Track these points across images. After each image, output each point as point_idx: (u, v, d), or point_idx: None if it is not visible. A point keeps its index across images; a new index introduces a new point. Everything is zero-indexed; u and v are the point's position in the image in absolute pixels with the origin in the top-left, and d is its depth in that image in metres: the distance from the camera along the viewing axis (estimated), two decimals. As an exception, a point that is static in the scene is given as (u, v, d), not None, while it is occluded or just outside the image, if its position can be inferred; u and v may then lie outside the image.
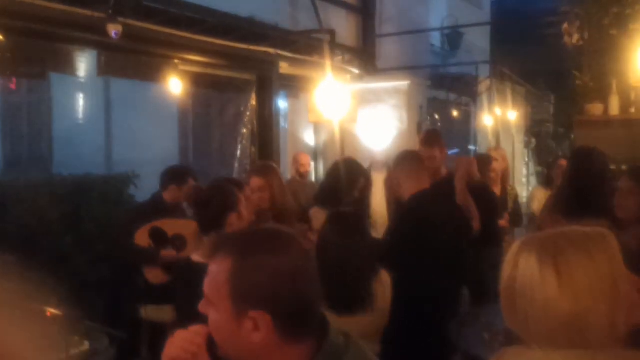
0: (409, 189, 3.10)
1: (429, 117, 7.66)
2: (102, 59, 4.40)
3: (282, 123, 6.89)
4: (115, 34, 3.87)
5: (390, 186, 3.53)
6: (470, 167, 3.73)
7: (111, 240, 5.62)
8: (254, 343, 1.11)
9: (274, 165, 3.80)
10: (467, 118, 10.08)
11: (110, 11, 3.85)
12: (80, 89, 8.56)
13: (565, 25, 4.52)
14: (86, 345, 3.14)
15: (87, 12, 3.85)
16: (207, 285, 1.17)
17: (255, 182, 3.32)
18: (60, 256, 5.43)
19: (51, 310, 2.45)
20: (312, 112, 5.34)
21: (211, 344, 1.17)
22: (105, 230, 5.80)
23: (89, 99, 8.71)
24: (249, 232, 1.32)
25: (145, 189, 6.08)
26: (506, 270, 1.15)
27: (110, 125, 8.64)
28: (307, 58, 5.92)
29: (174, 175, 4.17)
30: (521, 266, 1.12)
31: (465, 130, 10.23)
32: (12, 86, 8.58)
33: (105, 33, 3.86)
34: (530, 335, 1.10)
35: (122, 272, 4.49)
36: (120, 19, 3.90)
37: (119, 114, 8.53)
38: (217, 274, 1.15)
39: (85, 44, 4.14)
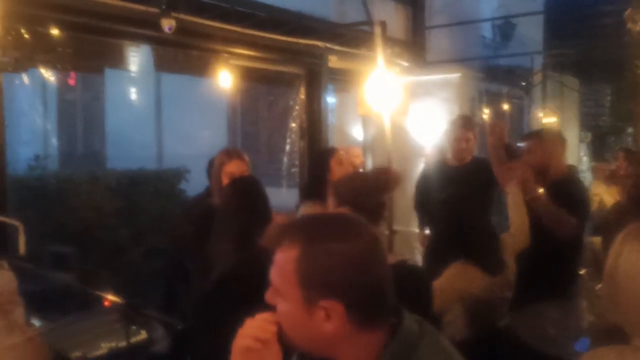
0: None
1: (480, 110, 7.49)
2: (157, 54, 4.47)
3: (330, 117, 6.86)
4: (169, 28, 3.92)
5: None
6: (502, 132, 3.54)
7: (164, 233, 5.75)
8: (325, 333, 1.07)
9: None
10: (520, 111, 9.81)
11: (164, 6, 3.90)
12: (132, 85, 8.77)
13: (629, 11, 4.30)
14: (144, 334, 3.20)
15: (142, 8, 3.91)
16: (275, 274, 1.13)
17: None
18: (116, 248, 5.59)
19: (111, 299, 2.49)
20: (362, 106, 5.28)
21: (280, 332, 1.14)
22: (158, 224, 5.94)
23: (141, 95, 8.90)
24: (316, 218, 1.26)
25: (195, 183, 6.17)
26: (610, 259, 1.08)
27: (161, 120, 8.82)
28: (356, 51, 5.87)
29: (211, 166, 4.23)
30: (625, 255, 1.05)
31: (517, 124, 9.97)
32: (71, 82, 8.83)
33: (159, 28, 3.92)
34: (632, 327, 1.03)
35: (177, 263, 4.54)
36: (174, 14, 3.95)
37: (169, 110, 8.70)
38: (284, 262, 1.11)
39: (140, 39, 4.22)
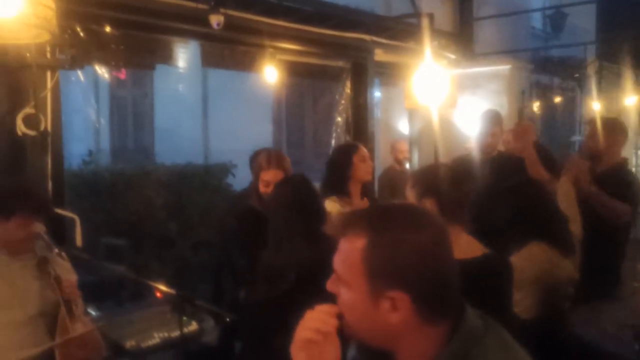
0: None
1: (531, 103, 7.30)
2: (205, 50, 4.54)
3: (375, 111, 6.82)
4: (217, 24, 3.97)
5: None
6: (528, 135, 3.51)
7: (211, 227, 5.84)
8: (390, 324, 1.06)
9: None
10: (572, 103, 9.51)
11: (212, 2, 3.95)
12: (179, 81, 8.92)
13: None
14: (195, 325, 3.26)
15: (191, 4, 3.97)
16: (339, 263, 1.12)
17: None
18: (165, 241, 5.71)
19: (163, 290, 2.54)
20: (409, 99, 5.21)
21: (341, 323, 1.13)
22: (206, 217, 6.04)
23: (188, 91, 9.06)
24: (382, 207, 1.24)
25: (241, 178, 6.25)
26: None
27: (207, 116, 8.96)
28: (403, 44, 5.81)
29: (253, 161, 4.27)
30: None
31: (569, 116, 9.67)
32: (122, 78, 9.06)
33: (207, 24, 3.97)
34: None
35: (225, 256, 4.61)
36: (222, 10, 3.99)
37: (215, 105, 8.82)
38: (350, 251, 1.09)
39: (189, 35, 4.28)
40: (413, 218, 1.12)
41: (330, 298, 1.14)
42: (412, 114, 7.01)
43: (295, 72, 5.66)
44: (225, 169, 6.65)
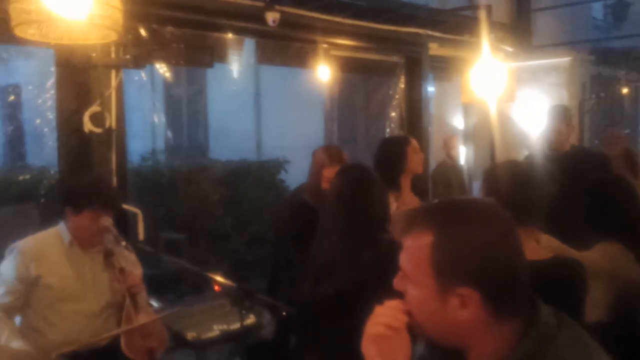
0: None
1: (593, 96, 7.05)
2: (260, 47, 4.58)
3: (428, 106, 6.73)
4: (273, 21, 4.00)
5: None
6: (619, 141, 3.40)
7: (265, 222, 5.91)
8: (459, 321, 1.04)
9: None
10: (637, 95, 9.12)
11: (268, 0, 3.99)
12: (232, 79, 9.03)
13: None
14: (253, 318, 3.31)
15: (248, 2, 4.02)
16: (406, 260, 1.10)
17: None
18: (221, 236, 5.82)
19: (224, 283, 2.58)
20: (465, 93, 5.12)
21: (410, 320, 1.12)
22: (260, 213, 6.12)
23: (240, 88, 9.17)
24: (448, 203, 1.21)
25: (293, 174, 6.30)
26: None
27: (260, 112, 9.06)
28: (458, 37, 5.70)
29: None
30: None
31: (634, 109, 9.27)
32: (177, 78, 9.24)
33: (263, 21, 4.01)
34: None
35: (280, 251, 4.66)
36: (277, 7, 4.02)
37: (267, 102, 8.91)
38: (417, 248, 1.08)
39: (246, 32, 4.33)
40: (479, 213, 1.09)
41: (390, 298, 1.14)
42: (467, 109, 6.89)
43: (349, 67, 5.65)
44: (278, 165, 6.72)
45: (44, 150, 10.83)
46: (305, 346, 2.70)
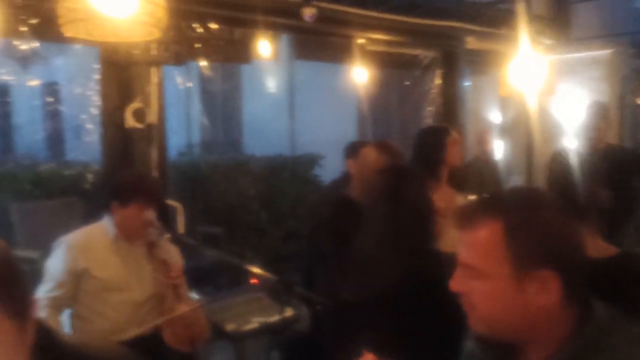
0: None
1: (634, 90, 6.86)
2: (296, 43, 4.61)
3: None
4: (310, 17, 4.02)
5: None
6: None
7: (300, 217, 5.95)
8: (537, 307, 1.04)
9: None
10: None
11: (305, -5, 4.01)
12: (266, 75, 9.12)
13: None
14: (291, 312, 3.34)
15: (285, -2, 4.05)
16: (472, 255, 1.08)
17: None
18: (257, 230, 5.88)
19: (265, 275, 2.62)
20: (503, 87, 5.06)
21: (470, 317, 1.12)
22: (295, 208, 6.16)
23: (274, 84, 9.24)
24: (505, 191, 1.23)
25: (328, 169, 6.32)
26: None
27: (294, 108, 9.09)
28: (495, 30, 5.63)
29: (347, 150, 4.28)
30: None
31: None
32: (212, 74, 9.35)
33: (300, 17, 4.03)
34: None
35: (315, 246, 4.69)
36: (314, 2, 4.03)
37: (302, 97, 8.93)
38: (487, 238, 1.06)
39: (282, 28, 4.37)
40: (540, 198, 1.11)
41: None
42: (503, 103, 6.80)
43: (384, 62, 5.64)
44: (312, 160, 6.75)
45: (83, 146, 11.11)
46: (342, 343, 2.71)
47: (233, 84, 10.14)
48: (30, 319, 0.87)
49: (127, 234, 2.59)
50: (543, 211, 1.06)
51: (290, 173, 6.48)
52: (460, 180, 3.39)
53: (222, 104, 10.59)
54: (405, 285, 2.08)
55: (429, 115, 5.78)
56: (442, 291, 1.21)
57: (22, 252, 4.44)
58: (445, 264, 1.27)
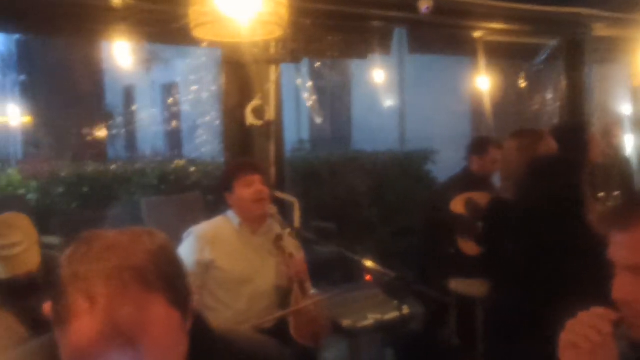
0: None
1: None
2: (411, 36, 4.52)
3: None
4: (427, 8, 3.92)
5: None
6: None
7: (411, 214, 5.85)
8: None
9: None
10: None
11: (420, -13, 3.90)
12: (376, 69, 9.05)
13: None
14: (407, 310, 3.29)
15: (400, -10, 3.97)
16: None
17: None
18: (367, 226, 5.87)
19: (382, 271, 2.59)
20: (635, 76, 4.69)
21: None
22: (405, 204, 6.08)
23: (384, 79, 9.14)
24: None
25: (441, 165, 6.17)
26: None
27: (404, 103, 8.97)
28: (626, 16, 5.18)
29: (473, 146, 4.13)
30: None
31: None
32: (322, 70, 9.45)
33: (416, 9, 3.94)
34: None
35: (429, 243, 4.59)
36: (429, -6, 3.93)
37: (412, 92, 8.80)
38: None
39: (397, 22, 4.30)
40: None
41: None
42: (635, 94, 6.28)
43: (503, 53, 5.39)
44: (425, 156, 6.63)
45: (199, 144, 11.69)
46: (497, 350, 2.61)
47: (342, 79, 10.20)
48: (190, 308, 0.92)
49: (249, 217, 2.67)
50: None
51: (401, 169, 6.41)
52: (602, 179, 3.18)
53: (331, 99, 10.69)
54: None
55: (550, 108, 5.46)
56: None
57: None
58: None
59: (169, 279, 0.87)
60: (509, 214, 2.46)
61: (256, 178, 2.62)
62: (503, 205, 2.72)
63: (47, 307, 0.91)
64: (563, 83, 5.36)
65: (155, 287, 0.84)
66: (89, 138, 11.68)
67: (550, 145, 2.91)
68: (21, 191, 5.31)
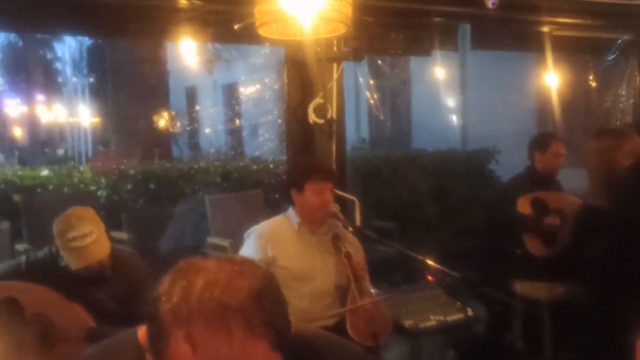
0: None
1: None
2: (476, 32, 4.42)
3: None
4: (492, 4, 3.82)
5: None
6: None
7: (474, 214, 5.73)
8: None
9: None
10: None
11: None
12: (436, 67, 8.90)
13: None
14: (469, 312, 3.23)
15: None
16: None
17: None
18: (428, 226, 5.79)
19: (448, 272, 2.55)
20: None
21: None
22: (468, 204, 5.95)
23: (445, 77, 8.98)
24: None
25: (505, 164, 6.00)
26: None
27: (466, 101, 8.77)
28: None
29: (534, 142, 4.01)
30: None
31: None
32: (382, 68, 9.38)
33: (481, 4, 3.84)
34: None
35: (495, 244, 4.47)
36: (497, -12, 3.82)
37: (474, 89, 8.59)
38: None
39: (462, 17, 4.21)
40: None
41: None
42: None
43: (571, 48, 5.20)
44: (487, 155, 6.48)
45: (259, 142, 11.85)
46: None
47: (402, 77, 10.10)
48: (290, 346, 0.85)
49: (309, 220, 2.68)
50: None
51: (463, 168, 6.28)
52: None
53: (391, 97, 10.60)
54: None
55: (624, 105, 5.22)
56: None
57: (214, 240, 4.86)
58: None
59: (273, 322, 0.81)
60: (604, 221, 2.35)
61: (328, 186, 2.62)
62: (596, 213, 2.61)
63: (141, 332, 0.86)
64: (637, 79, 5.11)
65: (260, 333, 0.79)
66: (154, 137, 12.06)
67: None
68: (92, 188, 5.54)
